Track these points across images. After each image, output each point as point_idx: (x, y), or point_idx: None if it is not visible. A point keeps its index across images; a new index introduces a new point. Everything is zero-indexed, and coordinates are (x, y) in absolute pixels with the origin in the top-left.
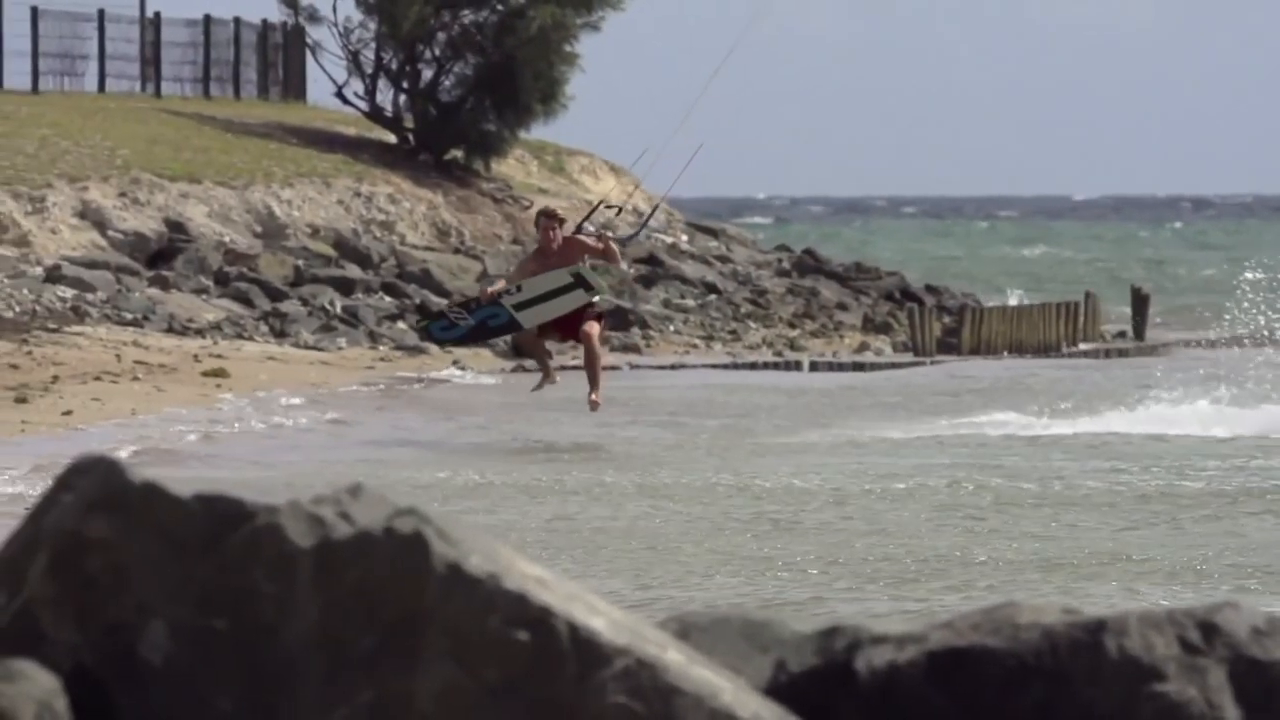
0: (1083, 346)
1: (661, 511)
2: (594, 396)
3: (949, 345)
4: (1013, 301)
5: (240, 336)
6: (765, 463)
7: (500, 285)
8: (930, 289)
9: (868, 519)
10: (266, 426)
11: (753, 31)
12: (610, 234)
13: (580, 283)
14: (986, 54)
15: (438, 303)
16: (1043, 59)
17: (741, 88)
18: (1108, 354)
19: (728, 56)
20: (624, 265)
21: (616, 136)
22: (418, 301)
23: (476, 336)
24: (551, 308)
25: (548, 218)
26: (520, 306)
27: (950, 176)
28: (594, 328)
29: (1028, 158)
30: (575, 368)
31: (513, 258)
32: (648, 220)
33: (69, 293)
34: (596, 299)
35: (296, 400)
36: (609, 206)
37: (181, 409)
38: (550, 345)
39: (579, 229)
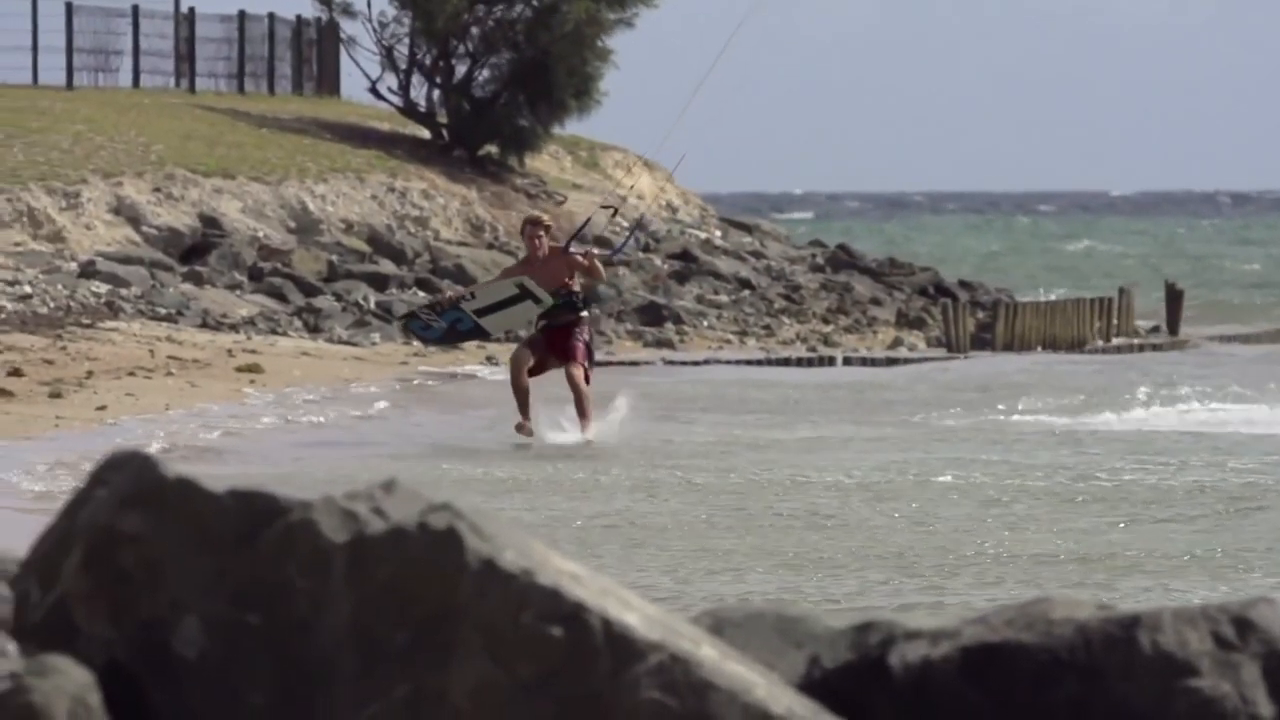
0: (1115, 342)
1: (699, 506)
2: (586, 434)
3: (983, 341)
4: (1051, 298)
5: (274, 332)
6: (802, 458)
7: (460, 290)
8: (964, 284)
9: (907, 514)
10: (295, 422)
11: (749, 25)
12: (597, 250)
13: (526, 294)
14: (1023, 50)
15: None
16: (1078, 55)
17: (779, 84)
18: (1141, 349)
19: (724, 49)
20: (605, 285)
21: (651, 132)
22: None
23: (451, 338)
24: (508, 317)
25: (533, 225)
26: (480, 313)
27: (985, 172)
28: (578, 370)
29: (1063, 153)
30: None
31: (530, 212)
32: (630, 237)
33: (103, 288)
34: (584, 315)
35: (326, 396)
36: (604, 207)
37: (214, 404)
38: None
39: (568, 245)
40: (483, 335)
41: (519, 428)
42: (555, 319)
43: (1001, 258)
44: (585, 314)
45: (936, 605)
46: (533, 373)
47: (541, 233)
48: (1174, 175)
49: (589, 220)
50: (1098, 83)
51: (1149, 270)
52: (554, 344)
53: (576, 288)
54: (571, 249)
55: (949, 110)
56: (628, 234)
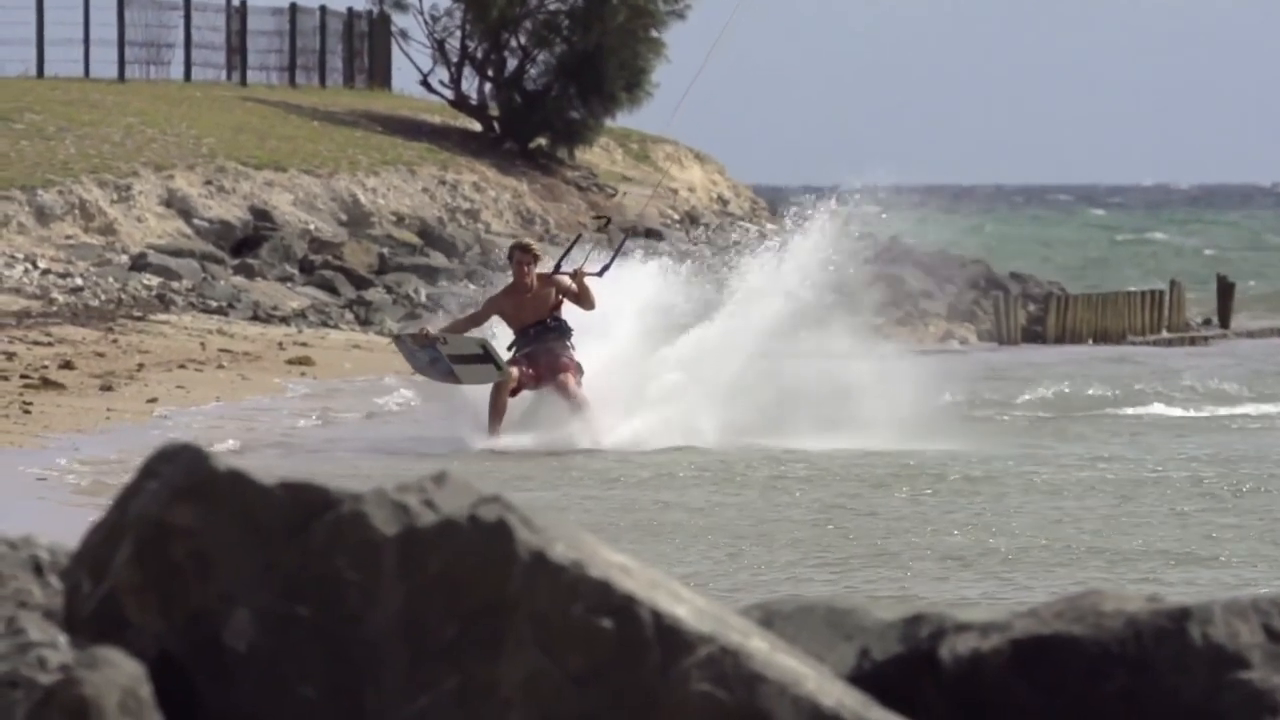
0: (1165, 334)
1: (759, 500)
2: (598, 438)
3: (1034, 333)
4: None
5: (325, 324)
6: (861, 450)
7: (437, 331)
8: (1015, 276)
9: (966, 507)
10: (341, 416)
11: (744, 10)
12: (588, 271)
13: (487, 357)
14: (1072, 44)
15: None
16: (1127, 49)
17: (834, 75)
18: (1193, 341)
19: (722, 33)
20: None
21: (702, 124)
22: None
23: (430, 372)
24: (473, 373)
25: (522, 252)
26: (453, 360)
27: (1041, 166)
28: (569, 379)
29: (1115, 148)
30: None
31: (598, 247)
32: (620, 247)
33: (154, 281)
34: (570, 344)
35: (373, 386)
36: (597, 218)
37: (264, 397)
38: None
39: (558, 266)
40: (456, 380)
41: (490, 443)
42: (541, 343)
43: (1083, 249)
44: (571, 343)
45: (1003, 601)
46: (513, 393)
47: (530, 260)
48: (1228, 169)
49: (578, 239)
50: (1149, 77)
51: (1243, 263)
52: (538, 366)
53: (563, 315)
54: (563, 269)
55: (1004, 104)
56: (619, 245)
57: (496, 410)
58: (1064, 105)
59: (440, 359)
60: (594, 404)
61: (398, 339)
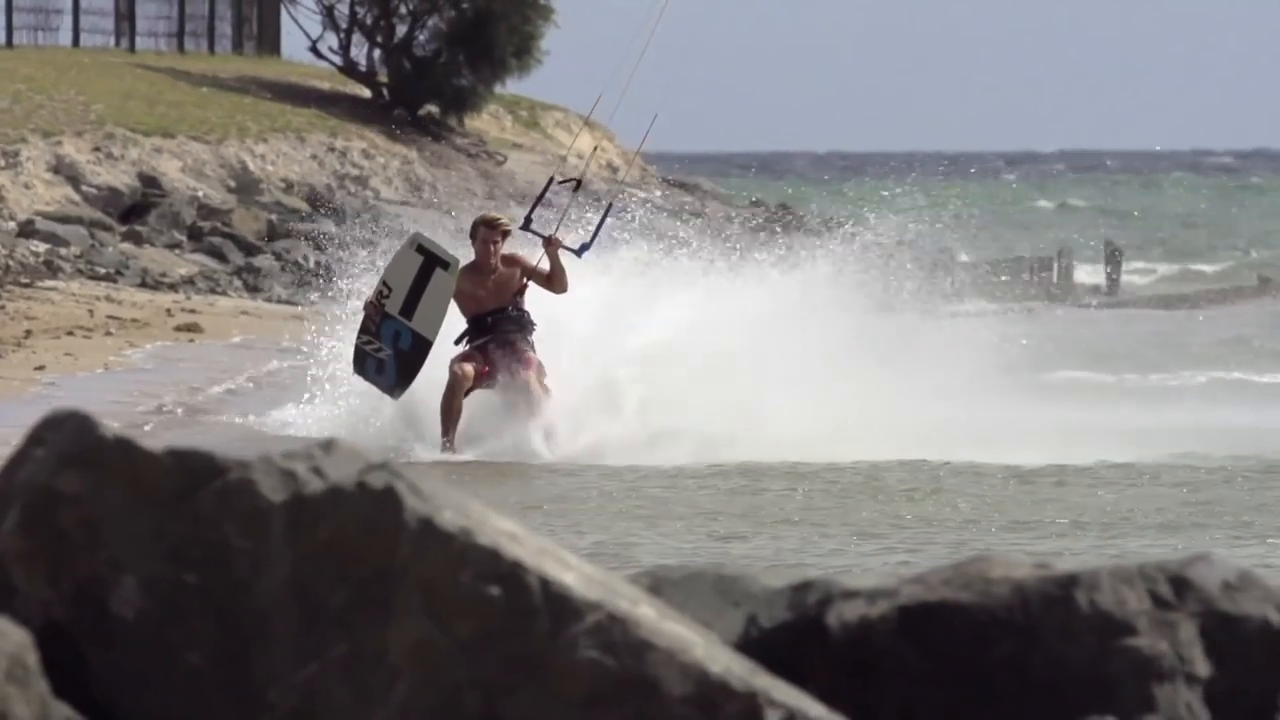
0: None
1: (711, 479)
2: (555, 452)
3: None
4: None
5: (214, 291)
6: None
7: (375, 291)
8: (901, 243)
9: (925, 481)
10: (230, 382)
11: None
12: (564, 242)
13: (430, 258)
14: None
15: None
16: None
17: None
18: (1092, 309)
19: (663, 10)
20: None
21: (592, 91)
22: None
23: (404, 368)
24: (431, 303)
25: (489, 228)
26: (406, 311)
27: (945, 132)
28: (531, 379)
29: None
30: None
31: (484, 212)
32: (602, 222)
33: (42, 247)
34: (532, 339)
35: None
36: (562, 182)
37: (152, 365)
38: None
39: (527, 221)
40: (425, 345)
41: (444, 448)
42: (498, 335)
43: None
44: (533, 338)
45: None
46: (467, 391)
47: (498, 238)
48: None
49: (549, 185)
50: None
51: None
52: (494, 361)
53: (526, 304)
54: (533, 227)
55: (925, 70)
56: (600, 219)
57: (450, 417)
58: (989, 71)
59: (400, 329)
60: (557, 408)
61: (359, 359)
